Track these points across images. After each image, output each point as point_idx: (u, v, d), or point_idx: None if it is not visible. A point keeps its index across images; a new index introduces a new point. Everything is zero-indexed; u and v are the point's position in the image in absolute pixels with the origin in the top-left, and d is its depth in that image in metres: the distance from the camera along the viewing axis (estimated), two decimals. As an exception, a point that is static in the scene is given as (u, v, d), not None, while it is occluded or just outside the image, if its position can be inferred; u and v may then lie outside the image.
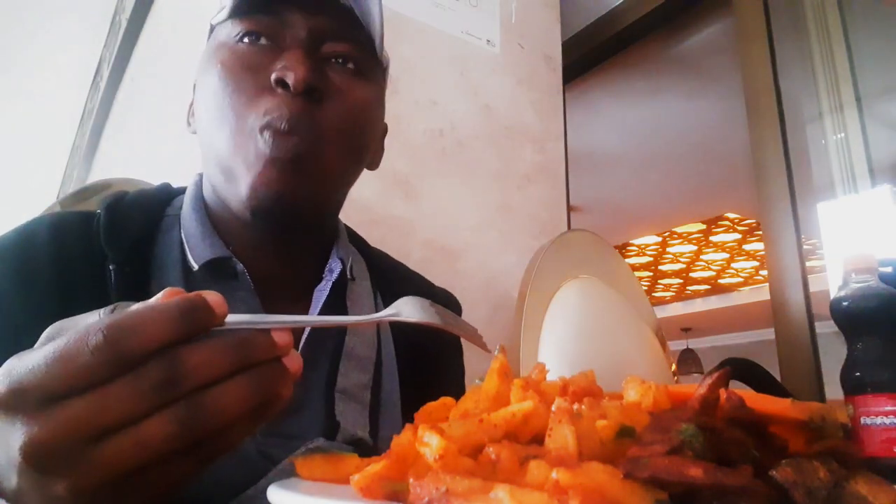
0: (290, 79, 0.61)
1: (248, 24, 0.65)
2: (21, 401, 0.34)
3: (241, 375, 0.37)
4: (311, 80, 0.62)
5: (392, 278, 0.83)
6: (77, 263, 0.63)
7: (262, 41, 0.65)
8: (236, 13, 0.66)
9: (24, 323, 0.41)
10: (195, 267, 0.66)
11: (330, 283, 0.71)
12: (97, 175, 2.26)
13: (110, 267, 0.62)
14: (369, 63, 0.70)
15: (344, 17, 0.67)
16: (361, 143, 0.70)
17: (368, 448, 0.64)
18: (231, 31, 0.66)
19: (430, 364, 0.77)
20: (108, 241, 0.64)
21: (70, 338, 0.34)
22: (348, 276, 0.73)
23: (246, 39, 0.65)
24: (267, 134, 0.61)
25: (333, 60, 0.67)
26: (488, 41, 1.70)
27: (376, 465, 0.36)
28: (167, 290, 0.39)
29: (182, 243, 0.68)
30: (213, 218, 0.70)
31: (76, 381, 0.34)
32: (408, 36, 1.55)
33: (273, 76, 0.62)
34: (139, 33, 2.17)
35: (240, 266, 0.66)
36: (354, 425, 0.66)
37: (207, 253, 0.66)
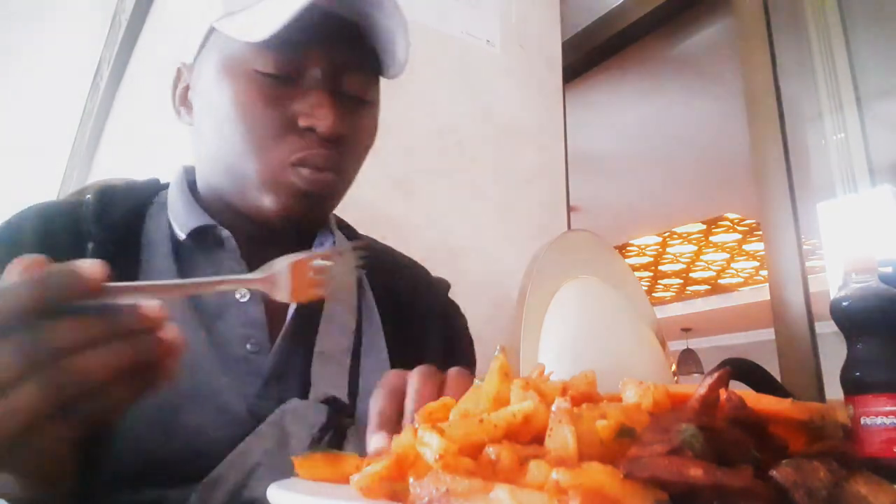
0: (320, 129, 0.65)
1: (267, 57, 0.66)
2: None
3: (109, 343, 0.38)
4: (340, 130, 0.66)
5: (384, 263, 0.84)
6: (64, 250, 0.64)
7: (280, 74, 0.66)
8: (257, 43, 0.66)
9: None
10: (182, 237, 0.70)
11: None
12: (97, 175, 2.26)
13: (88, 245, 0.64)
14: (377, 86, 0.74)
15: (359, 46, 0.69)
16: (364, 159, 0.76)
17: (342, 406, 0.67)
18: (248, 56, 0.66)
19: (414, 325, 0.80)
20: (94, 221, 0.67)
21: None
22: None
23: (263, 70, 0.66)
24: (304, 171, 0.66)
25: (354, 97, 0.70)
26: (488, 41, 1.69)
27: (376, 466, 0.36)
28: (18, 259, 0.40)
29: (169, 223, 0.72)
30: (202, 202, 0.74)
31: None
32: (408, 36, 1.54)
33: (302, 123, 0.66)
34: (139, 33, 2.17)
35: (225, 232, 0.70)
36: (328, 385, 0.68)
37: (192, 222, 0.70)
